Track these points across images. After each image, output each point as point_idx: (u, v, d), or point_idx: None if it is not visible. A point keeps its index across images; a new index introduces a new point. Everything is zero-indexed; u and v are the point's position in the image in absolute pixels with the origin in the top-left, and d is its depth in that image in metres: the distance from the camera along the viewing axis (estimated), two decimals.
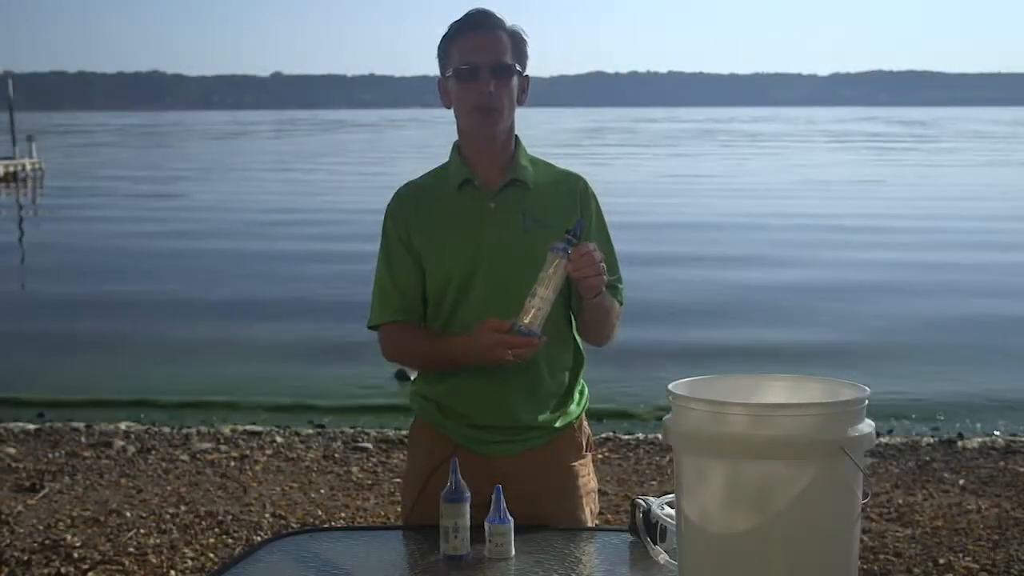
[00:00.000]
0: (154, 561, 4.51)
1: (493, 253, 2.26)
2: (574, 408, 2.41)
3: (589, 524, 2.40)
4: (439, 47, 2.30)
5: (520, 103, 2.34)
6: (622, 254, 2.38)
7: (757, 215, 21.08)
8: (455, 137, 2.39)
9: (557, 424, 2.36)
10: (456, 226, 2.31)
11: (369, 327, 2.41)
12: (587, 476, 2.43)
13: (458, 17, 2.30)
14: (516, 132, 2.38)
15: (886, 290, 12.83)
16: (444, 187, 2.35)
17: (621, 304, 2.39)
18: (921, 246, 16.52)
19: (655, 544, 2.07)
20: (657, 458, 6.23)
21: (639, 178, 31.44)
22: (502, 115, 2.27)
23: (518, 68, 2.28)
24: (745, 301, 12.28)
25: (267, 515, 5.16)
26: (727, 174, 33.76)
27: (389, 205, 2.38)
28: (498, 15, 2.28)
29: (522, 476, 2.30)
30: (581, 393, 2.45)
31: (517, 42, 2.29)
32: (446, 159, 2.42)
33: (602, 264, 2.14)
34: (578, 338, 2.41)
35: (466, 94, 2.25)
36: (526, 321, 2.13)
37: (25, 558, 4.52)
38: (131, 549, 4.65)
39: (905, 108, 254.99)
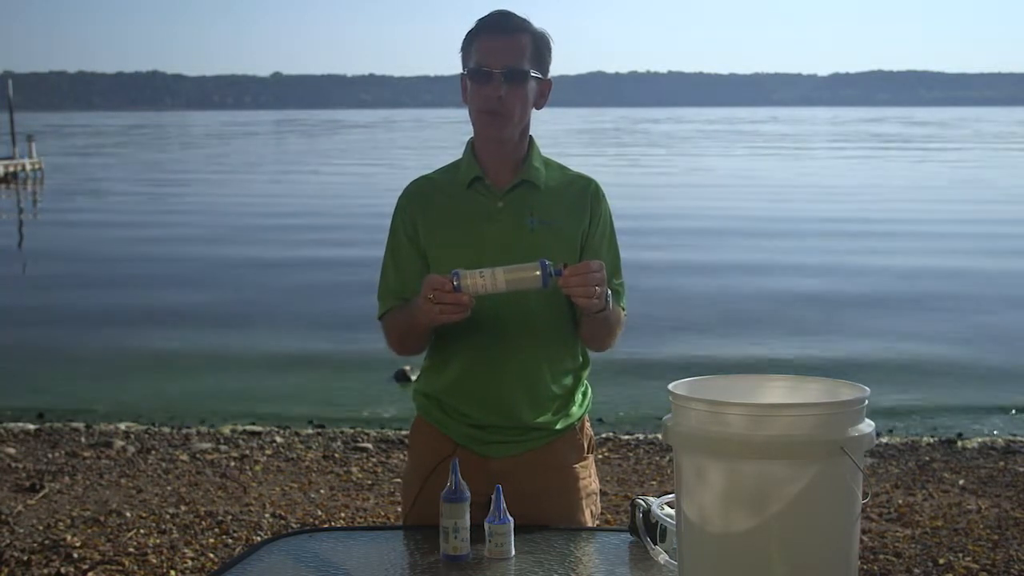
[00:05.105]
0: (154, 561, 4.51)
1: (497, 252, 2.23)
2: (576, 410, 2.40)
3: (589, 526, 2.39)
4: (463, 43, 2.29)
5: (537, 107, 2.33)
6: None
7: (768, 219, 21.00)
8: (451, 139, 2.39)
9: (558, 426, 2.36)
10: (462, 223, 2.31)
11: (379, 319, 2.40)
12: (588, 478, 2.42)
13: (483, 15, 2.28)
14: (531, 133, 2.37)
15: (889, 296, 12.79)
16: (454, 184, 2.35)
17: (624, 310, 2.38)
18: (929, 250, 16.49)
19: (655, 544, 2.07)
20: (657, 458, 6.23)
21: (654, 181, 31.29)
22: (510, 120, 2.25)
23: (535, 73, 2.26)
24: (747, 312, 12.04)
25: (267, 515, 5.16)
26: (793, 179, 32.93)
27: (399, 198, 2.38)
28: (522, 17, 2.26)
29: (521, 476, 2.30)
30: (584, 395, 2.44)
31: (539, 45, 2.26)
32: (452, 158, 2.42)
33: (598, 288, 2.07)
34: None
35: (476, 96, 2.25)
36: (466, 282, 2.04)
37: (25, 558, 4.52)
38: (131, 549, 4.65)
39: (906, 108, 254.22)
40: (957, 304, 12.08)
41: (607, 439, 6.67)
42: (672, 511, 1.93)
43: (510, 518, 2.08)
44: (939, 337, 10.45)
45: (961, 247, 16.49)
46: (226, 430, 7.09)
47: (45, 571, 4.40)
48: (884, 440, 6.62)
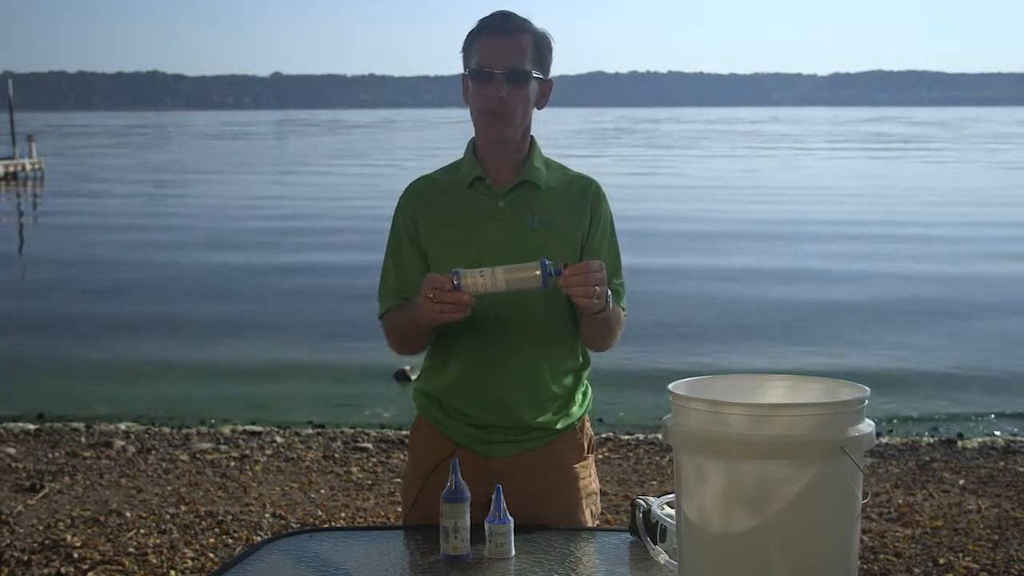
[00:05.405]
0: (154, 561, 4.51)
1: (498, 252, 2.23)
2: (576, 410, 2.40)
3: (589, 525, 2.39)
4: (464, 43, 2.29)
5: (538, 107, 2.34)
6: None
7: (769, 222, 20.96)
8: (452, 139, 2.39)
9: (558, 426, 2.36)
10: (463, 223, 2.31)
11: (379, 318, 2.40)
12: (588, 478, 2.42)
13: (484, 16, 2.28)
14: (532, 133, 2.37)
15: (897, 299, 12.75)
16: (455, 184, 2.35)
17: (624, 310, 2.38)
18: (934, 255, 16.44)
19: (655, 544, 2.07)
20: (657, 458, 6.23)
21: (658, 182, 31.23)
22: (511, 121, 2.26)
23: (536, 73, 2.26)
24: (747, 316, 11.84)
25: (267, 515, 5.16)
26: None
27: (400, 198, 2.38)
28: (523, 17, 2.26)
29: (521, 476, 2.30)
30: (584, 395, 2.44)
31: (540, 46, 2.27)
32: (453, 158, 2.42)
33: (598, 288, 2.08)
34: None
35: (478, 97, 2.25)
36: (466, 282, 2.05)
37: (25, 558, 4.52)
38: (131, 549, 4.65)
39: (906, 108, 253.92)
40: (958, 309, 12.05)
41: (607, 439, 6.67)
42: (672, 511, 1.93)
43: (510, 518, 2.08)
44: (939, 342, 10.43)
45: (962, 251, 16.43)
46: (226, 430, 7.09)
47: (45, 571, 4.40)
48: (884, 440, 6.62)
